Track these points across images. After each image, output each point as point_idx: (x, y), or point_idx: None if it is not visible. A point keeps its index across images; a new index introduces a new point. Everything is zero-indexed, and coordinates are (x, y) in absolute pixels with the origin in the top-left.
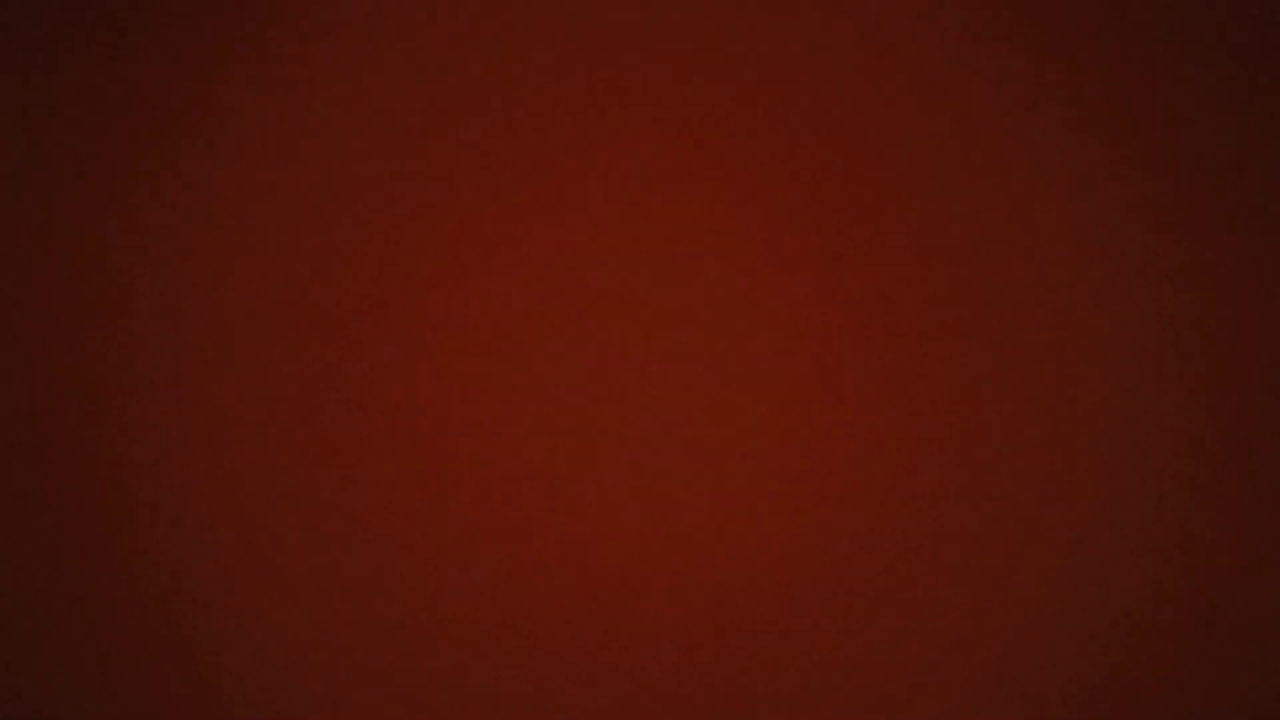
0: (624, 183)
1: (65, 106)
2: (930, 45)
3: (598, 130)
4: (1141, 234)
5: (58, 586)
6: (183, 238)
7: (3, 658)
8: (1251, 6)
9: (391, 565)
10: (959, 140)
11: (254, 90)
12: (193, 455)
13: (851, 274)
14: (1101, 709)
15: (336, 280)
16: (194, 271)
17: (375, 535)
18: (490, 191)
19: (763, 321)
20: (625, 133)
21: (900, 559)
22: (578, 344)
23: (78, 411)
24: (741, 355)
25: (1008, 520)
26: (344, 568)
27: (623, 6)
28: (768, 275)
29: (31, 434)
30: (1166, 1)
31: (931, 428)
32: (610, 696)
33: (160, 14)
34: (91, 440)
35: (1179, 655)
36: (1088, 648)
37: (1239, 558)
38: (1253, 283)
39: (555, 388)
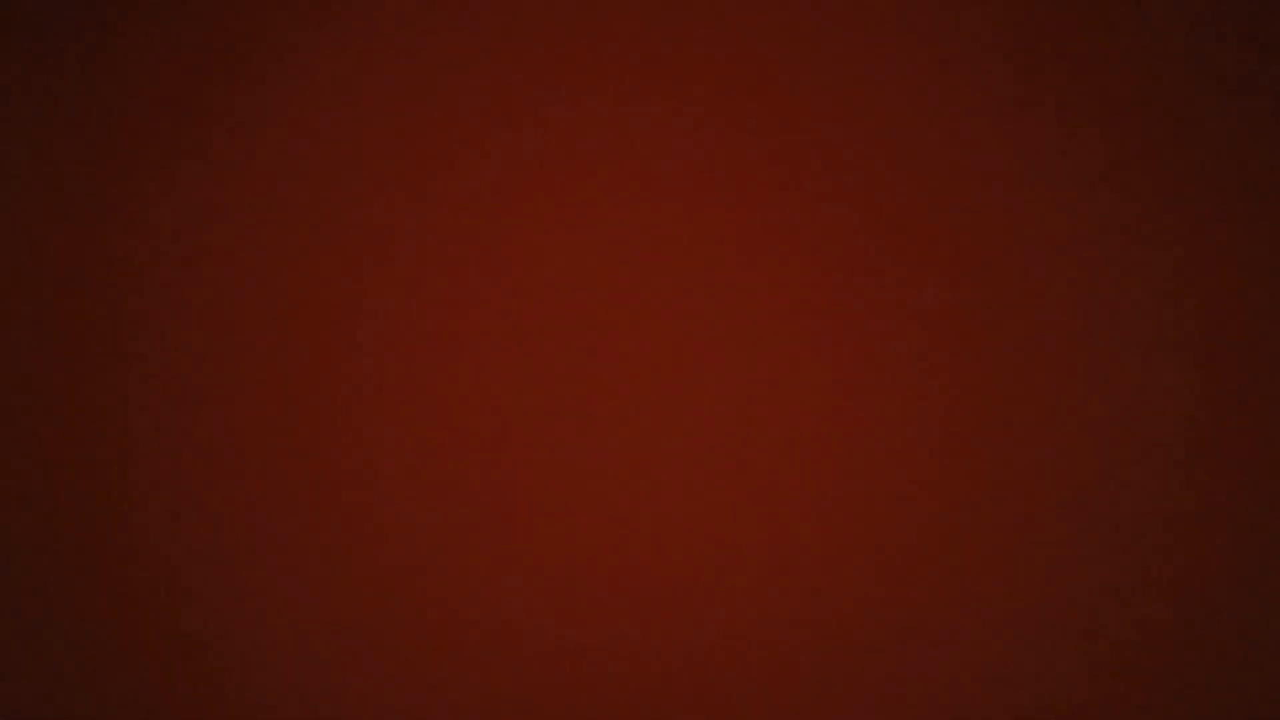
0: (624, 186)
1: (69, 109)
2: (933, 49)
3: (600, 133)
4: (1142, 235)
5: (59, 587)
6: (187, 239)
7: (2, 659)
8: (1252, 6)
9: (391, 566)
10: (960, 142)
11: (257, 91)
12: (193, 456)
13: (853, 276)
14: (1100, 709)
15: (338, 280)
16: (196, 272)
17: (375, 536)
18: (493, 193)
19: (762, 324)
20: (626, 135)
21: (900, 560)
22: (578, 346)
23: (80, 411)
24: (742, 357)
25: (1008, 522)
26: (343, 568)
27: (624, 9)
28: (767, 277)
29: (34, 435)
30: (1168, 3)
31: (932, 429)
32: (608, 695)
33: (164, 17)
34: (93, 440)
35: (1177, 655)
36: (1086, 648)
37: (1240, 558)
38: (1254, 284)
39: (557, 390)
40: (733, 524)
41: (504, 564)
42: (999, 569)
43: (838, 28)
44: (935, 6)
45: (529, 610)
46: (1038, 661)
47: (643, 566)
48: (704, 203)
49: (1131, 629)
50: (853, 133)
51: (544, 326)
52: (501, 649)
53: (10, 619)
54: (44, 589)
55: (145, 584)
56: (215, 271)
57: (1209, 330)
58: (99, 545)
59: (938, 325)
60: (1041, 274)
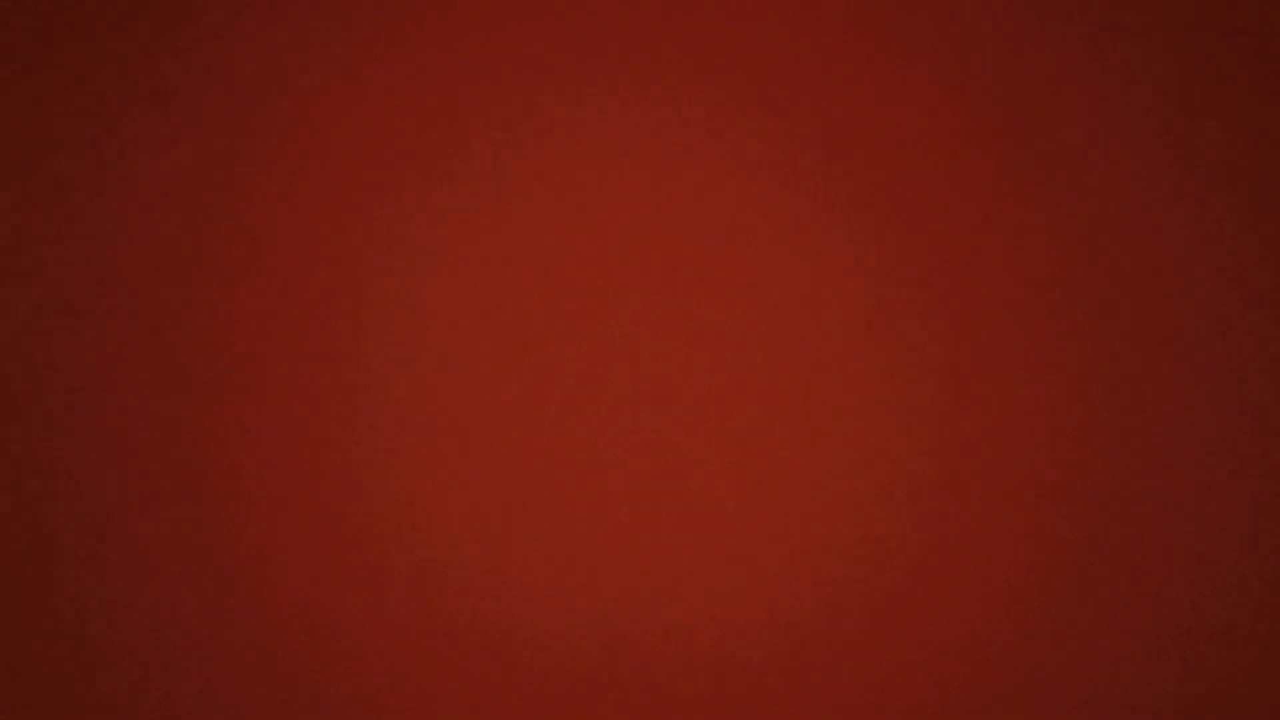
0: (624, 184)
1: (66, 106)
2: (935, 46)
3: (598, 130)
4: (1141, 234)
5: (57, 588)
6: (186, 239)
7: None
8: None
9: (390, 566)
10: (959, 141)
11: (257, 89)
12: (193, 457)
13: (852, 275)
14: (1101, 710)
15: (338, 279)
16: (197, 272)
17: (376, 537)
18: (492, 191)
19: (763, 324)
20: (625, 133)
21: (899, 561)
22: (577, 346)
23: (77, 412)
24: (743, 357)
25: (1007, 523)
26: (344, 569)
27: (623, 6)
28: (767, 276)
29: (33, 435)
30: (1170, 4)
31: (930, 429)
32: (608, 695)
33: (160, 13)
34: (91, 440)
35: (1176, 656)
36: (1085, 649)
37: (1240, 559)
38: (1253, 282)
39: (557, 389)
40: (732, 522)
41: (503, 564)
42: (998, 569)
43: (841, 25)
44: (939, 7)
45: (529, 610)
46: (1033, 660)
47: (641, 566)
48: (703, 202)
49: (1129, 628)
50: (852, 133)
51: (544, 326)
52: (500, 648)
53: (9, 619)
54: (43, 589)
55: (144, 584)
56: (216, 271)
57: (1209, 329)
58: (98, 545)
59: (936, 325)
60: (1043, 274)
